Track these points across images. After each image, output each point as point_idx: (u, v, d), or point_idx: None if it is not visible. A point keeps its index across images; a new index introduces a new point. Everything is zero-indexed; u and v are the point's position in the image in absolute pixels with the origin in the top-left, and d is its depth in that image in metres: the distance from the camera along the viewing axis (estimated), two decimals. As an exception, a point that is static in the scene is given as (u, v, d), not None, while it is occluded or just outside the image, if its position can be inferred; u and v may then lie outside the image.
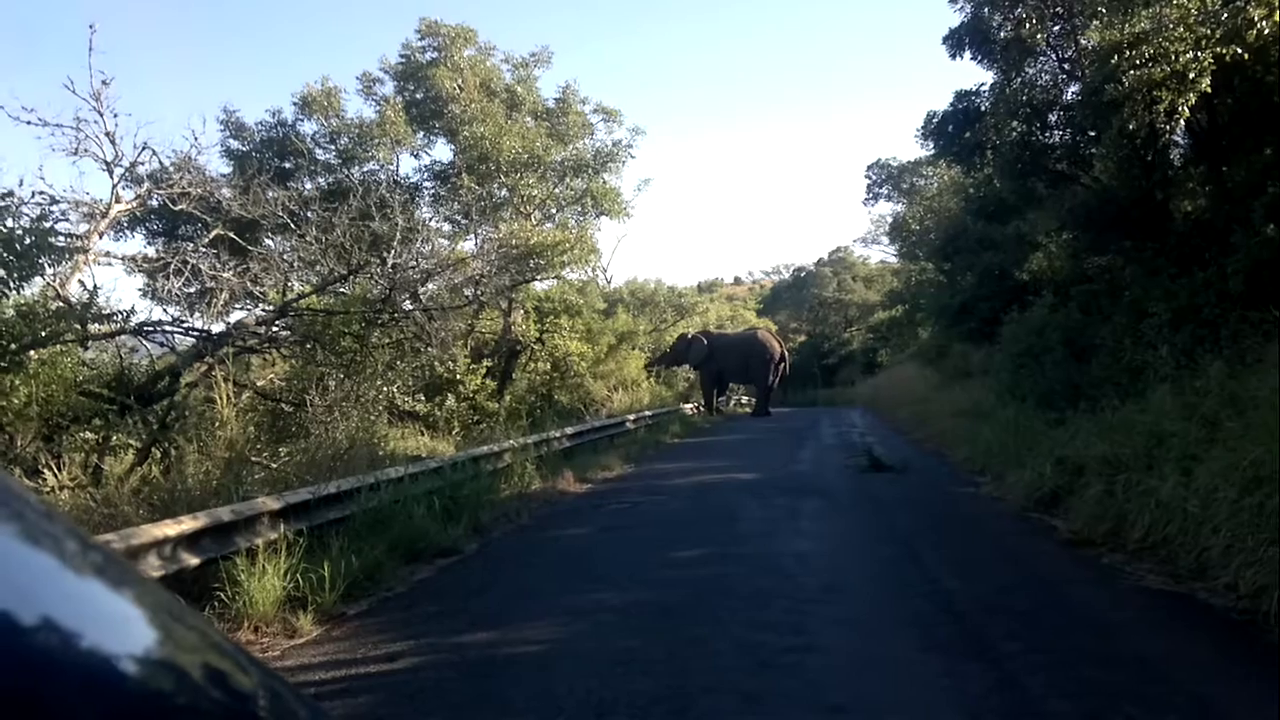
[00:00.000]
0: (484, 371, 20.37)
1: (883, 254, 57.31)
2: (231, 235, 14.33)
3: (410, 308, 14.27)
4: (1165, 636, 5.61)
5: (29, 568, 0.55)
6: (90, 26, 11.55)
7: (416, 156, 26.15)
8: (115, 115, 12.15)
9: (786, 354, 36.57)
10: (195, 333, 12.07)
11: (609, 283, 35.05)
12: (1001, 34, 14.98)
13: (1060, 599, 6.64)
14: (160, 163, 13.69)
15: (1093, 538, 8.14)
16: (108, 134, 12.14)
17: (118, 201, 12.68)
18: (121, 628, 0.57)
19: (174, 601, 0.66)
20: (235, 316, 13.69)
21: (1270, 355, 8.80)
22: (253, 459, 10.09)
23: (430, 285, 15.05)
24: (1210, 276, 11.55)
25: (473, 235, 24.04)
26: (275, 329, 12.77)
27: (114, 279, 71.02)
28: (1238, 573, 6.09)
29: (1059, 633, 5.66)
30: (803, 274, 70.31)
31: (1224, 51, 10.81)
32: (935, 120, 16.98)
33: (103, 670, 0.51)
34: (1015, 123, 14.76)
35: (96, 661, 0.52)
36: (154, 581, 0.80)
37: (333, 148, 25.10)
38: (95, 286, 11.44)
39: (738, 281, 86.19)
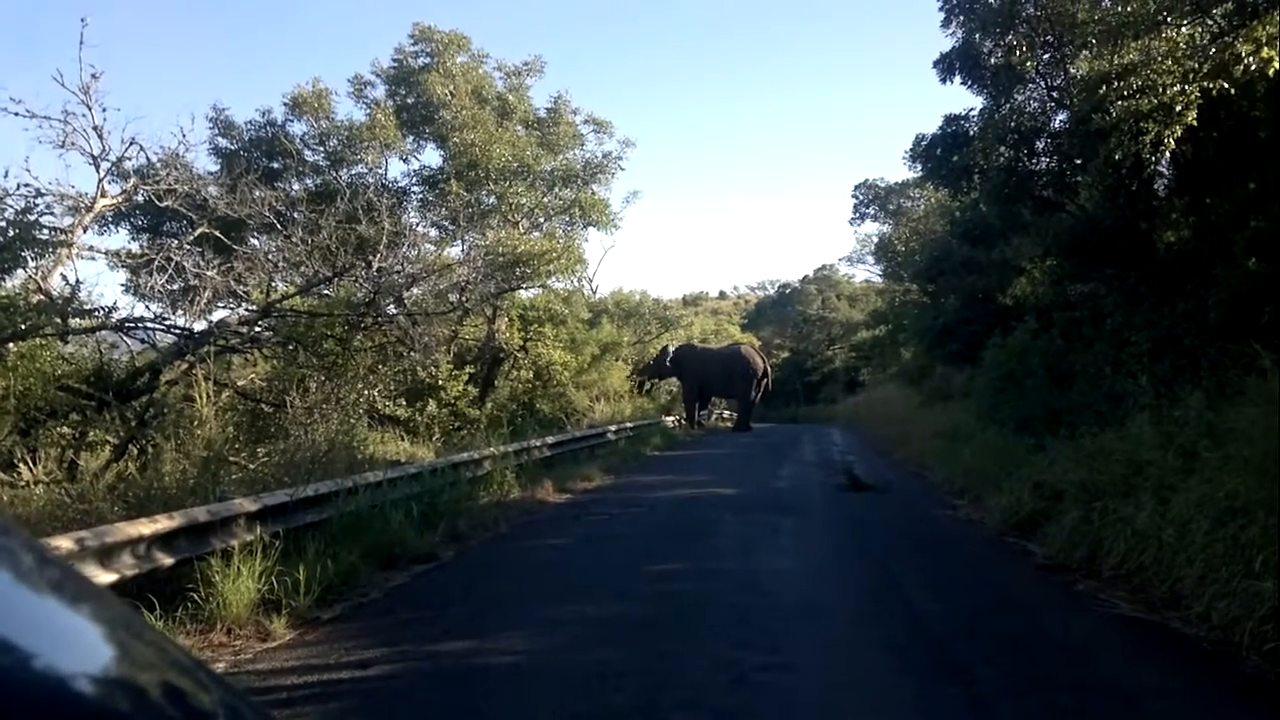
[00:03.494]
0: (466, 378, 20.33)
1: (868, 273, 57.58)
2: (217, 234, 14.28)
3: (394, 312, 14.25)
4: (1138, 665, 5.62)
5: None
6: (82, 20, 11.52)
7: (405, 161, 26.13)
8: (104, 110, 12.14)
9: (769, 370, 36.62)
10: (177, 330, 12.02)
11: (594, 293, 35.13)
12: (992, 60, 15.08)
13: (1034, 624, 6.65)
14: (147, 158, 13.65)
15: (1068, 564, 8.16)
16: (95, 128, 12.11)
17: (103, 196, 12.64)
18: (78, 646, 0.57)
19: (133, 617, 0.65)
20: (218, 315, 13.65)
21: (1248, 388, 8.86)
22: (231, 459, 10.03)
23: (415, 290, 15.04)
24: (1191, 307, 11.64)
25: (460, 242, 24.04)
26: (258, 329, 12.72)
27: (97, 274, 70.77)
28: (1210, 603, 6.11)
29: (1032, 658, 5.67)
30: (788, 290, 70.53)
31: (1211, 86, 10.93)
32: (924, 143, 17.08)
33: (58, 691, 0.51)
34: (1003, 148, 14.86)
35: (51, 682, 0.51)
36: (113, 596, 0.78)
37: (321, 149, 25.03)
38: (77, 281, 11.41)
39: (723, 296, 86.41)
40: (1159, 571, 7.07)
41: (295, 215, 15.12)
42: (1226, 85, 10.91)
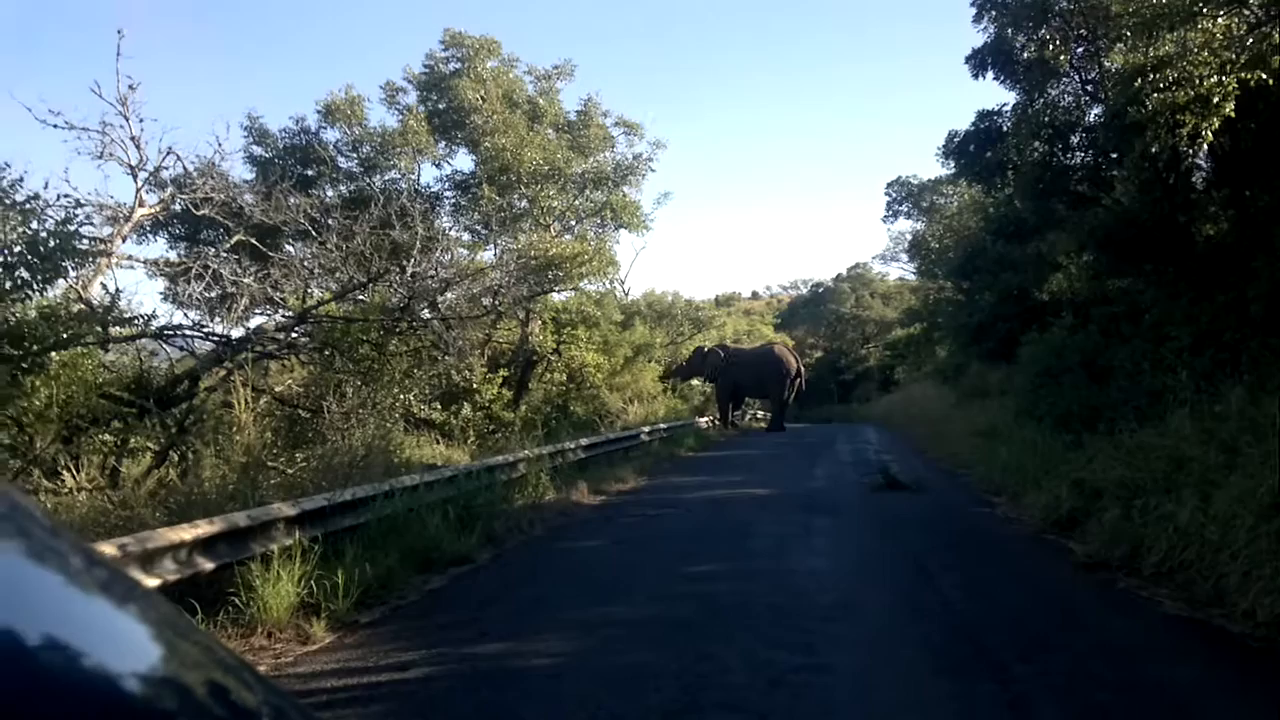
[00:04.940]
0: (500, 381, 20.40)
1: (901, 271, 57.17)
2: (253, 241, 14.43)
3: (429, 316, 14.32)
4: (1181, 663, 5.56)
5: (33, 585, 0.55)
6: (119, 32, 11.70)
7: (438, 166, 26.20)
8: (141, 120, 12.30)
9: (803, 369, 36.51)
10: (215, 337, 12.15)
11: (627, 295, 35.09)
12: (1024, 55, 14.96)
13: (1074, 622, 6.59)
14: (184, 167, 13.82)
15: (1109, 561, 8.07)
16: (133, 138, 12.28)
17: (141, 205, 12.82)
18: (125, 645, 0.58)
19: (179, 617, 0.66)
20: (255, 322, 13.76)
21: (1291, 381, 8.74)
22: (269, 464, 10.12)
23: (449, 294, 15.09)
24: (1231, 301, 11.48)
25: (492, 245, 24.10)
26: (294, 335, 12.83)
27: (136, 282, 71.16)
28: (1255, 600, 6.03)
29: (1072, 657, 5.61)
30: (821, 289, 70.13)
31: (1248, 76, 10.77)
32: (956, 139, 17.00)
33: (106, 689, 0.52)
34: (1037, 143, 14.74)
35: (100, 680, 0.52)
36: (159, 596, 0.79)
37: (355, 156, 25.17)
38: (117, 289, 11.54)
39: (755, 296, 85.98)
40: (1202, 569, 6.98)
41: (330, 222, 15.23)
42: (1264, 76, 10.75)
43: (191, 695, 0.58)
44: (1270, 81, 10.85)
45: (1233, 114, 11.07)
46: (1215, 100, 10.88)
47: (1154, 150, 11.64)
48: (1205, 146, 12.12)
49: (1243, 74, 10.80)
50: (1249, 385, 9.52)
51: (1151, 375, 11.87)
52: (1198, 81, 11.07)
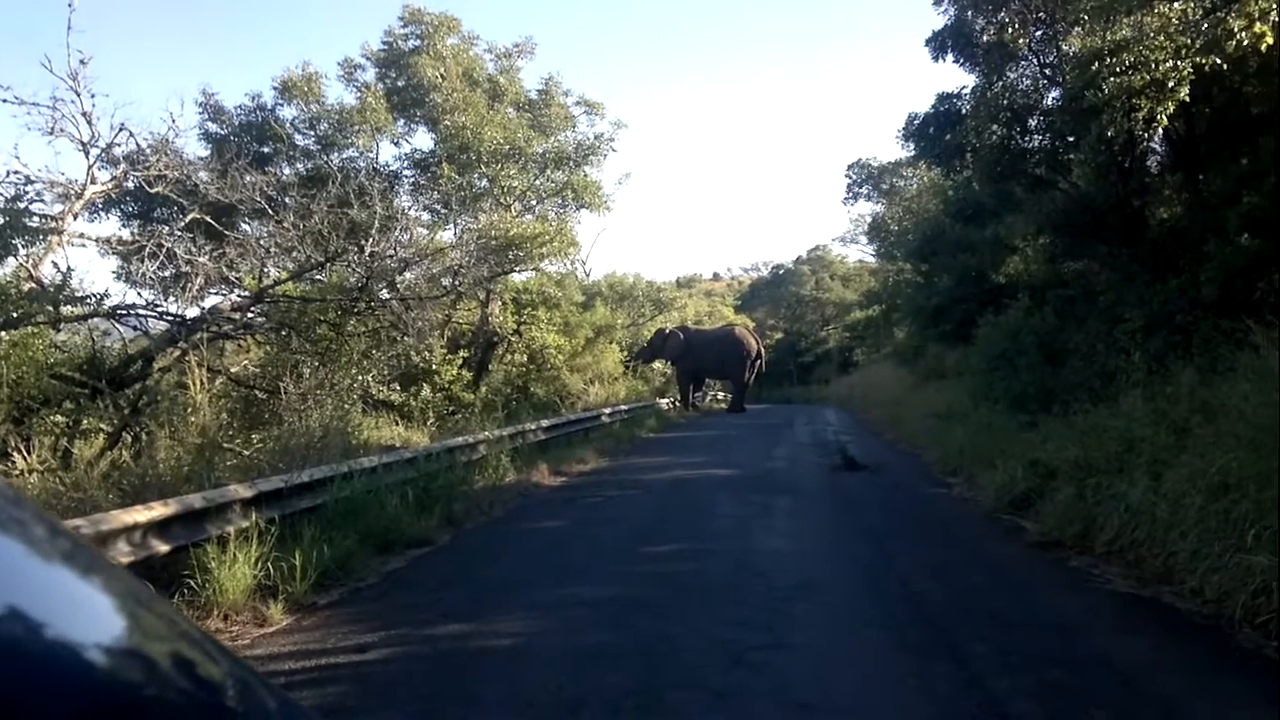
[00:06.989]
0: (460, 362, 20.30)
1: (861, 253, 57.60)
2: (208, 219, 14.21)
3: (387, 297, 14.21)
4: (1131, 639, 5.66)
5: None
6: (69, 4, 11.43)
7: (397, 144, 25.97)
8: (93, 95, 12.06)
9: (763, 351, 36.66)
10: (169, 317, 11.99)
11: (588, 276, 35.04)
12: (984, 37, 15.04)
13: (1029, 601, 6.69)
14: (137, 144, 13.57)
15: (1062, 540, 8.19)
16: (84, 114, 12.04)
17: (93, 182, 12.58)
18: (89, 616, 0.57)
19: (143, 589, 0.65)
20: (210, 301, 13.58)
21: (1240, 363, 8.88)
22: (225, 446, 10.01)
23: (408, 274, 14.98)
24: (1184, 284, 11.66)
25: (452, 225, 23.91)
26: (250, 315, 12.69)
27: (88, 261, 70.29)
28: (1203, 578, 6.15)
29: (1027, 634, 5.70)
30: (781, 271, 70.51)
31: (1203, 61, 10.91)
32: (916, 122, 17.05)
33: (69, 660, 0.51)
34: (995, 126, 14.82)
35: (63, 651, 0.51)
36: (122, 569, 0.78)
37: (312, 133, 24.86)
38: (69, 268, 11.36)
39: (716, 277, 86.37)
40: (1152, 547, 7.10)
41: (286, 200, 15.08)
42: (1219, 61, 10.90)
43: (157, 666, 0.58)
44: (1224, 67, 11.01)
45: (1187, 99, 11.22)
46: (1171, 85, 11.02)
47: (1110, 134, 11.75)
48: (1160, 131, 12.28)
49: (1198, 59, 10.94)
50: (1200, 367, 9.68)
51: (1105, 357, 12.03)
52: (1154, 66, 11.20)
